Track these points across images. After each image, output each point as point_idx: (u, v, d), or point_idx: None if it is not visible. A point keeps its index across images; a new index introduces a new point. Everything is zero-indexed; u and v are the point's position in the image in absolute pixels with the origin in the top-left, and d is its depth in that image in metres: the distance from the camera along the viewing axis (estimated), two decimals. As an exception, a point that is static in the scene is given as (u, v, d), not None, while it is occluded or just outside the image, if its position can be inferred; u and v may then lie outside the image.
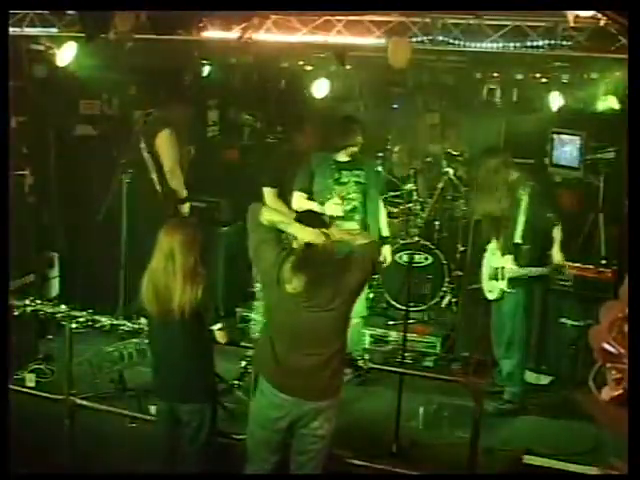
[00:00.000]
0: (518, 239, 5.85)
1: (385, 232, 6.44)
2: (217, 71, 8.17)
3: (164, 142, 6.50)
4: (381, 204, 6.46)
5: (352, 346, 5.97)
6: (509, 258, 5.87)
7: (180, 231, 4.27)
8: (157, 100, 7.01)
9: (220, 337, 4.40)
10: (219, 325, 4.38)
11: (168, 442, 4.45)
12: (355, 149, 6.14)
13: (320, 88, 7.54)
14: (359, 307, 6.22)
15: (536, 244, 5.94)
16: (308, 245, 3.89)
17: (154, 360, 4.56)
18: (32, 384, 5.99)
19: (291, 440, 4.07)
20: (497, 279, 5.93)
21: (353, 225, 6.12)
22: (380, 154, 8.40)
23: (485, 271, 6.10)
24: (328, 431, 4.02)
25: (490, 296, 6.04)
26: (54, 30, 6.21)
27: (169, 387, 4.38)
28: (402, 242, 7.77)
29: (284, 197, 6.40)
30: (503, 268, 5.89)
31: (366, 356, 6.05)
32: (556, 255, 5.84)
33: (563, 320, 6.47)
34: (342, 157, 6.16)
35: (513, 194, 5.86)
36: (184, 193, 6.62)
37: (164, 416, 4.43)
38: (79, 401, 5.17)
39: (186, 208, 6.65)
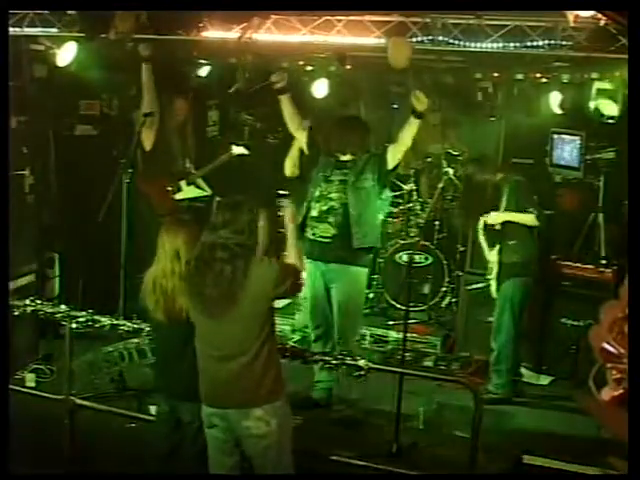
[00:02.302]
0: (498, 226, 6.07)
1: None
2: (217, 71, 8.17)
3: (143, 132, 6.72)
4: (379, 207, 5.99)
5: None
6: (495, 252, 6.13)
7: (182, 231, 4.23)
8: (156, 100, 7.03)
9: None
10: None
11: (168, 443, 4.42)
12: (356, 152, 5.80)
13: (320, 88, 7.54)
14: None
15: (522, 239, 6.00)
16: (201, 253, 3.83)
17: (157, 359, 4.55)
18: (32, 384, 5.99)
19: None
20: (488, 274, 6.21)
21: (326, 228, 5.70)
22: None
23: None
24: (268, 432, 3.81)
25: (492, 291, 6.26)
26: (54, 30, 6.21)
27: (172, 386, 4.34)
28: (402, 242, 7.78)
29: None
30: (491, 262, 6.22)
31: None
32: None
33: (563, 320, 6.48)
34: (344, 157, 5.83)
35: (499, 194, 6.05)
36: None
37: (165, 417, 4.40)
38: (79, 401, 5.18)
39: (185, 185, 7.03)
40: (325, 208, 5.73)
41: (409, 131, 5.72)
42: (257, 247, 3.91)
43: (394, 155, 5.77)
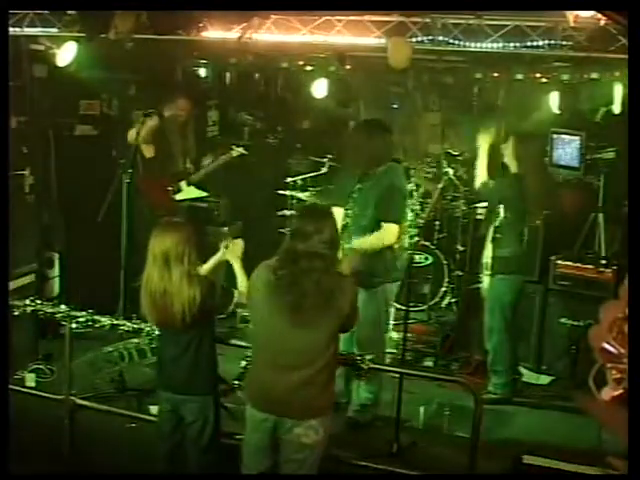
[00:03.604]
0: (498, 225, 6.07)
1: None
2: (217, 71, 8.18)
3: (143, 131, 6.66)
4: (385, 233, 5.31)
5: None
6: (490, 248, 6.12)
7: (171, 234, 4.18)
8: (157, 100, 7.04)
9: None
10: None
11: (169, 442, 4.42)
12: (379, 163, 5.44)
13: (320, 88, 7.54)
14: None
15: (511, 233, 6.03)
16: (296, 260, 3.78)
17: (158, 358, 4.56)
18: (32, 384, 5.99)
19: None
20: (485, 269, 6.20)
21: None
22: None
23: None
24: (315, 441, 3.87)
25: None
26: (54, 30, 6.22)
27: (174, 384, 4.35)
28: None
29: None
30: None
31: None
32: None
33: (563, 320, 6.48)
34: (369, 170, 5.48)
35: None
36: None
37: (167, 416, 4.40)
38: (79, 401, 5.18)
39: (186, 186, 7.06)
40: (342, 225, 5.41)
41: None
42: (337, 257, 3.95)
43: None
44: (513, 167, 6.06)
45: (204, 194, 7.33)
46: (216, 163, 7.32)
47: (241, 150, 7.29)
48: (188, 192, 7.20)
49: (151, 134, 6.77)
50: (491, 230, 6.13)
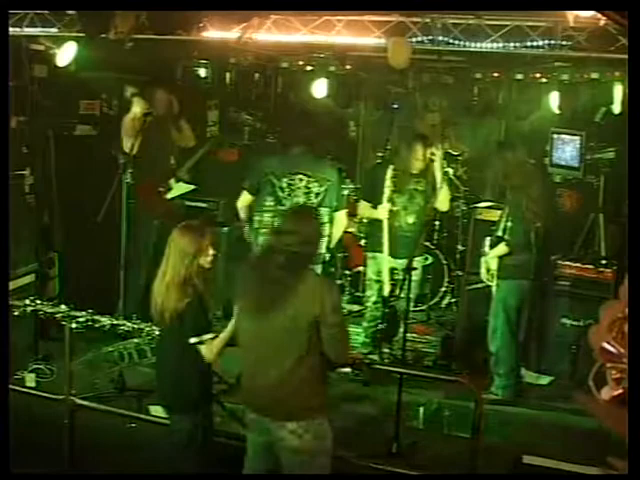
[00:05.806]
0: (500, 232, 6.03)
1: None
2: (217, 71, 8.17)
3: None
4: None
5: None
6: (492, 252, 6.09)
7: (196, 238, 4.13)
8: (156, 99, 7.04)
9: (205, 351, 4.11)
10: (207, 336, 4.10)
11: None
12: None
13: (320, 88, 7.54)
14: None
15: (519, 240, 5.99)
16: (269, 255, 3.85)
17: (157, 366, 4.54)
18: (32, 384, 5.99)
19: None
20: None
21: None
22: (379, 154, 8.42)
23: None
24: (301, 447, 3.74)
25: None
26: (54, 30, 6.22)
27: (160, 393, 4.35)
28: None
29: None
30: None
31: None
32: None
33: (563, 320, 6.48)
34: None
35: None
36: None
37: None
38: (79, 401, 5.18)
39: (174, 182, 7.06)
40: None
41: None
42: (314, 257, 3.99)
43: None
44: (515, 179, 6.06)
45: (192, 187, 7.27)
46: (199, 154, 7.28)
47: (221, 138, 7.35)
48: (178, 188, 7.16)
49: (132, 126, 6.73)
50: (497, 234, 6.10)
